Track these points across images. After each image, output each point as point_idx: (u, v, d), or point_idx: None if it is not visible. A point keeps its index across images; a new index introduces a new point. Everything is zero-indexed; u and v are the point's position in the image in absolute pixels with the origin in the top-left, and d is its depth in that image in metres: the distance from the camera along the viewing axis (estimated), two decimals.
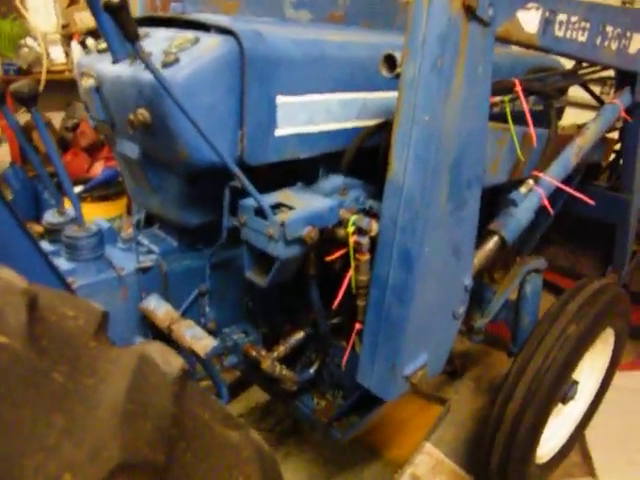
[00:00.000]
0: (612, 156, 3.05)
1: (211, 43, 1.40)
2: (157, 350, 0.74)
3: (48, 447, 0.53)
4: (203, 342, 1.47)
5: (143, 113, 1.42)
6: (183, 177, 1.61)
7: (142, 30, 1.60)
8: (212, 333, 1.85)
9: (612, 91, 2.68)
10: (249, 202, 1.50)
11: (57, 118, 5.34)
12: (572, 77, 2.50)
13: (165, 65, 1.36)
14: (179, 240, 1.84)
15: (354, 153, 1.72)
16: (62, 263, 1.57)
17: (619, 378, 2.71)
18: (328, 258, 1.58)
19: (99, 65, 1.61)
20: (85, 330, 0.70)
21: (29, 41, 4.80)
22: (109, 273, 1.61)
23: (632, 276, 3.13)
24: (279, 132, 1.55)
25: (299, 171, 1.70)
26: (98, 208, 3.91)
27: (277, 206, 1.52)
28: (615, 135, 2.81)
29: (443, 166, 1.41)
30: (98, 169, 4.63)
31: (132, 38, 1.17)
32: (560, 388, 2.06)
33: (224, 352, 1.85)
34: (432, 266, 1.53)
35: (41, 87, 4.43)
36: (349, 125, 1.73)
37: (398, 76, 1.42)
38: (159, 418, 0.63)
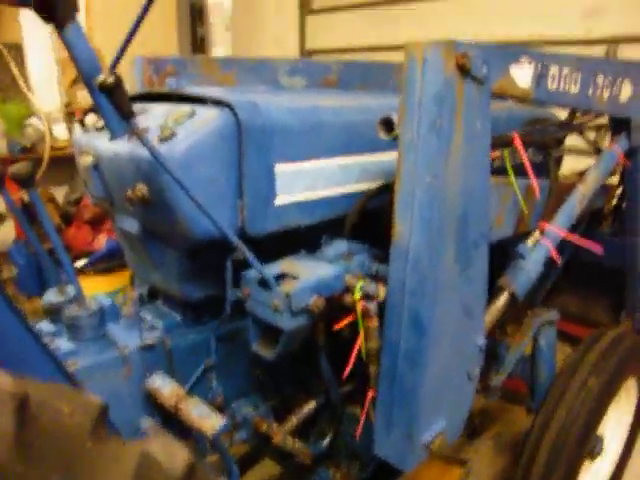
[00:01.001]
0: (614, 201, 3.03)
1: (207, 116, 1.40)
2: (160, 446, 0.69)
3: None
4: (211, 421, 1.41)
5: (141, 189, 1.41)
6: (184, 251, 1.58)
7: (139, 106, 1.61)
8: (220, 408, 1.79)
9: (607, 137, 2.69)
10: (252, 274, 1.47)
11: (60, 192, 5.40)
12: (568, 126, 2.51)
13: (162, 140, 1.36)
14: (183, 314, 1.79)
15: (356, 217, 1.70)
16: (63, 344, 1.53)
17: None
18: (336, 326, 1.53)
19: (97, 142, 1.61)
20: (81, 428, 0.66)
21: (33, 121, 4.92)
22: (112, 352, 1.57)
23: None
24: (279, 201, 1.54)
25: (301, 239, 1.67)
26: (102, 281, 3.87)
27: (281, 276, 1.49)
28: (614, 180, 2.80)
29: (448, 226, 1.39)
30: (101, 241, 4.63)
31: (127, 116, 1.17)
32: (586, 444, 1.97)
33: (233, 428, 1.78)
34: (444, 328, 1.48)
35: (44, 164, 4.49)
36: (350, 189, 1.72)
37: (396, 138, 1.41)
38: None
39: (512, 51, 1.54)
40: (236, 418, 1.80)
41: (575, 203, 2.11)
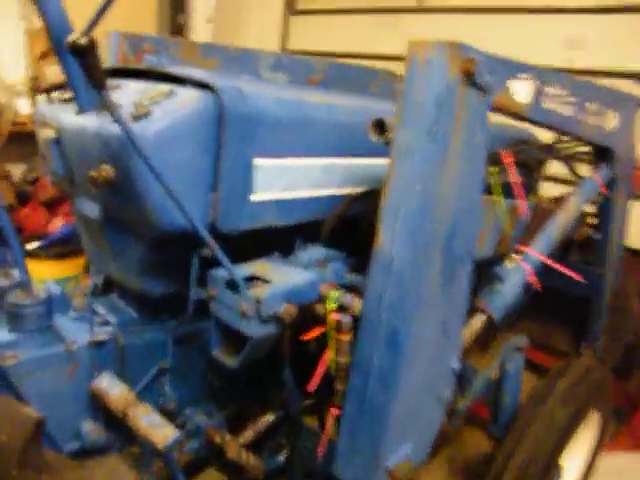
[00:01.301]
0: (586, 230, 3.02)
1: (187, 97, 1.28)
2: (105, 475, 0.57)
3: None
4: (162, 432, 1.28)
5: (107, 170, 1.27)
6: (148, 242, 1.46)
7: (112, 81, 1.48)
8: (172, 414, 1.66)
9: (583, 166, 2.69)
10: (220, 273, 1.36)
11: (18, 170, 5.14)
12: (551, 150, 2.48)
13: (135, 118, 1.23)
14: (139, 310, 1.66)
15: (335, 222, 1.60)
16: (2, 333, 1.38)
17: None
18: (305, 337, 1.42)
19: (61, 115, 1.47)
20: (8, 450, 0.53)
21: None
22: (57, 347, 1.42)
23: (606, 351, 3.06)
24: (255, 197, 1.43)
25: (275, 240, 1.57)
26: (54, 266, 3.67)
27: (251, 279, 1.37)
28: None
29: (436, 240, 1.30)
30: (57, 225, 4.41)
31: (99, 85, 1.04)
32: (550, 475, 1.92)
33: (185, 437, 1.65)
34: (420, 349, 1.39)
35: (2, 138, 4.26)
36: (330, 192, 1.62)
37: (388, 142, 1.32)
38: None
39: (515, 65, 1.47)
40: (188, 426, 1.68)
41: (555, 229, 2.07)
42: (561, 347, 3.10)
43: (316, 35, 5.83)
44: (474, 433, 2.88)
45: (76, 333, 1.47)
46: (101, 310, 1.64)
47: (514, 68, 1.48)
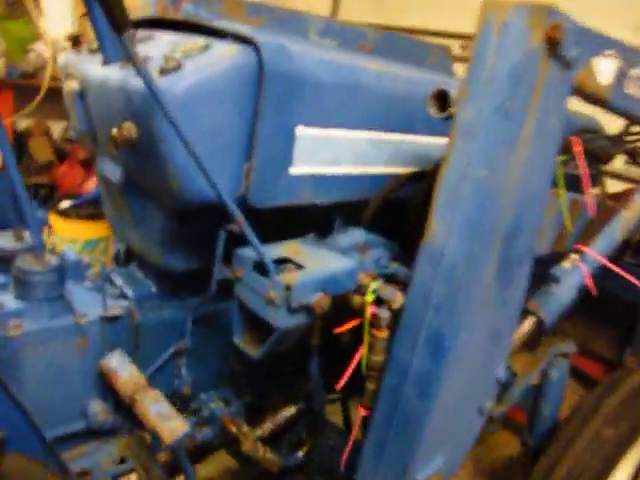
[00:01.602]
0: None
1: (224, 51, 1.13)
2: None
3: None
4: (170, 425, 1.16)
5: (129, 128, 1.14)
6: (171, 212, 1.32)
7: (145, 33, 1.34)
8: (187, 398, 1.54)
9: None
10: (247, 253, 1.21)
11: (58, 127, 5.09)
12: (620, 143, 2.26)
13: (163, 72, 1.08)
14: (159, 285, 1.53)
15: (381, 204, 1.44)
16: (8, 300, 1.27)
17: None
18: (337, 330, 1.28)
19: (86, 66, 1.34)
20: None
21: (39, 46, 4.59)
22: (66, 319, 1.30)
23: None
24: (294, 170, 1.27)
25: (312, 219, 1.42)
26: (85, 227, 3.62)
27: (282, 261, 1.23)
28: None
29: (496, 234, 1.13)
30: (91, 185, 4.35)
31: (120, 27, 0.90)
32: None
33: (198, 424, 1.54)
34: (466, 354, 1.23)
35: (42, 93, 4.18)
36: (378, 170, 1.46)
37: (450, 117, 1.15)
38: None
39: (603, 38, 1.27)
40: (202, 412, 1.56)
41: (617, 228, 1.87)
42: (602, 352, 2.93)
43: (367, 6, 5.63)
44: (504, 436, 2.73)
45: (88, 305, 1.35)
46: (118, 281, 1.52)
47: (602, 42, 1.27)
